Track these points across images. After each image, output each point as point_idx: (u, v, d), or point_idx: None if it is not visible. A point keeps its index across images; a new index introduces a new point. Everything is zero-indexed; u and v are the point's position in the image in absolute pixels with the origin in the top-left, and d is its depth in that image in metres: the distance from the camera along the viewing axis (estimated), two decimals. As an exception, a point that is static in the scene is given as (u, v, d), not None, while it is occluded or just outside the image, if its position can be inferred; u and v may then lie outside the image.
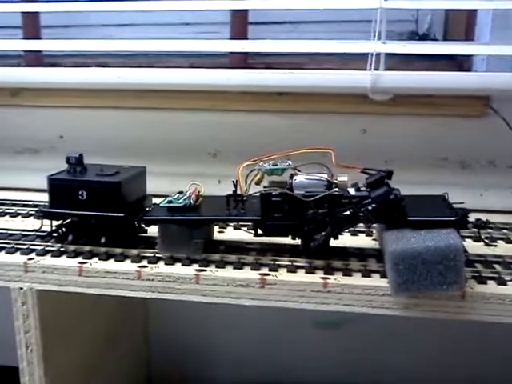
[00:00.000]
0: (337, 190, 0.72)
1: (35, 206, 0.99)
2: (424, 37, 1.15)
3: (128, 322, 1.10)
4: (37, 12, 1.15)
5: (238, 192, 0.76)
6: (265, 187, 0.74)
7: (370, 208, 0.69)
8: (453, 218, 0.68)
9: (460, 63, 1.04)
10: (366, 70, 0.94)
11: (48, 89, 1.11)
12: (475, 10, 1.00)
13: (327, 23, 1.17)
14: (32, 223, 0.91)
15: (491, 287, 0.68)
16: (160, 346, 1.22)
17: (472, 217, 0.74)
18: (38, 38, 1.17)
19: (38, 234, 0.84)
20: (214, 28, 1.20)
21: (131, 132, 1.11)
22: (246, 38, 1.08)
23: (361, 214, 0.70)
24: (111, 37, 1.22)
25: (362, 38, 0.98)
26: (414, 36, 1.17)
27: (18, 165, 1.16)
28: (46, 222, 0.82)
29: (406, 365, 1.12)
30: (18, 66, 1.16)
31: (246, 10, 1.06)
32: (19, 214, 0.96)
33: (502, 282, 0.69)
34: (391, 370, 1.13)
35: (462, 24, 1.07)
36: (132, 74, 1.04)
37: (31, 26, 1.17)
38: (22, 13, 1.15)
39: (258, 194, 0.74)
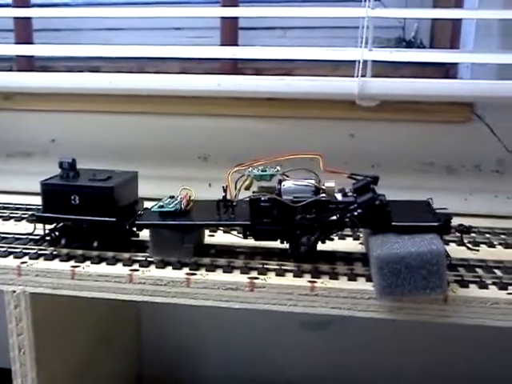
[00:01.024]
0: (324, 195, 0.74)
1: (27, 209, 1.00)
2: (411, 43, 1.17)
3: (120, 323, 1.12)
4: (29, 18, 1.16)
5: (228, 197, 0.77)
6: (254, 192, 0.76)
7: (355, 213, 0.71)
8: (436, 224, 0.70)
9: (446, 69, 1.06)
10: (353, 76, 0.96)
11: (40, 93, 1.12)
12: (460, 20, 1.03)
13: (316, 29, 1.19)
14: (25, 227, 0.92)
15: (473, 291, 0.70)
16: (152, 347, 1.23)
17: (456, 221, 0.76)
18: (30, 42, 1.18)
19: (30, 237, 0.85)
20: (205, 33, 1.21)
21: (122, 136, 1.13)
22: (237, 44, 1.10)
23: (347, 220, 0.72)
24: (102, 40, 1.23)
25: (351, 43, 1.00)
26: (401, 42, 1.18)
27: (10, 168, 1.17)
28: (39, 225, 0.83)
29: (392, 365, 1.14)
30: (10, 70, 1.17)
31: (236, 18, 1.08)
32: (12, 218, 0.97)
33: (483, 285, 0.71)
34: (378, 369, 1.14)
35: (447, 31, 1.09)
36: (124, 80, 1.05)
37: (23, 30, 1.18)
38: (15, 18, 1.16)
39: (248, 199, 0.75)
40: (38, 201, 0.95)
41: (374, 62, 0.95)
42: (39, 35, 1.20)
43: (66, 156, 0.85)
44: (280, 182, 0.76)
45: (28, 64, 1.18)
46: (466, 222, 0.81)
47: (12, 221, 0.96)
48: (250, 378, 1.21)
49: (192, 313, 1.13)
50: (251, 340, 1.19)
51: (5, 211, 1.00)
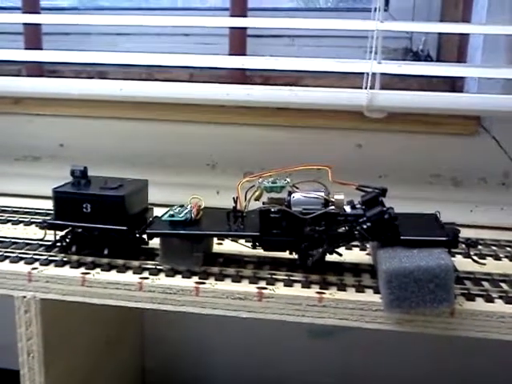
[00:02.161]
0: (333, 207, 0.74)
1: (36, 213, 1.01)
2: (418, 54, 1.18)
3: (125, 328, 1.13)
4: (38, 24, 1.17)
5: (238, 207, 0.78)
6: (264, 203, 0.77)
7: (364, 227, 0.71)
8: (444, 239, 0.71)
9: (453, 82, 1.07)
10: (362, 86, 0.97)
11: (49, 98, 1.12)
12: (467, 35, 1.04)
13: (324, 38, 1.20)
14: (34, 231, 0.93)
15: (479, 304, 0.71)
16: (155, 352, 1.24)
17: (463, 232, 0.77)
18: (39, 47, 1.19)
19: (41, 243, 0.86)
20: (213, 39, 1.22)
21: (131, 142, 1.14)
22: (245, 53, 1.11)
23: (356, 232, 0.73)
24: (111, 44, 1.24)
25: (359, 52, 1.01)
26: (408, 53, 1.19)
27: (19, 172, 1.18)
28: (49, 231, 0.84)
29: (397, 373, 1.14)
30: (20, 74, 1.18)
31: (245, 28, 1.09)
32: (21, 222, 0.98)
33: (489, 299, 0.72)
34: (383, 378, 1.15)
35: (455, 44, 1.10)
36: (134, 87, 1.06)
37: (32, 35, 1.19)
38: (24, 24, 1.17)
39: (257, 210, 0.76)
40: (46, 205, 0.97)
41: (383, 74, 0.96)
42: (48, 39, 1.21)
43: (74, 161, 0.86)
44: (290, 193, 0.76)
45: (37, 69, 1.19)
46: (472, 233, 0.83)
47: (21, 225, 0.97)
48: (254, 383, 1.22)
49: (195, 318, 1.14)
50: (256, 345, 1.20)
51: (14, 215, 1.01)
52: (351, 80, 1.00)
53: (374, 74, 0.96)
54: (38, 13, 1.17)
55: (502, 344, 0.71)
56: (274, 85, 1.03)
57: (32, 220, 0.98)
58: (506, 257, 0.87)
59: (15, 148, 1.19)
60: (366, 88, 0.96)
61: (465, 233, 0.80)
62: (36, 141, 1.18)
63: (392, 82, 1.01)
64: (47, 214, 0.98)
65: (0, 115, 1.18)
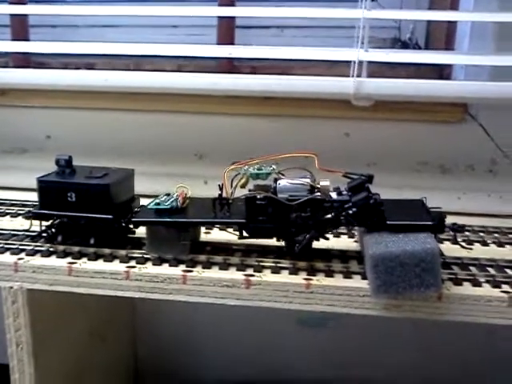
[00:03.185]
0: (319, 194, 0.74)
1: (23, 205, 1.00)
2: (406, 43, 1.18)
3: (115, 318, 1.12)
4: (25, 14, 1.16)
5: (224, 195, 0.78)
6: (250, 190, 0.77)
7: (350, 212, 0.71)
8: (430, 223, 0.71)
9: (441, 70, 1.07)
10: (349, 75, 0.97)
11: (36, 89, 1.11)
12: (455, 22, 1.03)
13: (312, 28, 1.20)
14: (20, 223, 0.92)
15: (467, 289, 0.71)
16: (146, 342, 1.24)
17: (450, 219, 0.77)
18: (26, 39, 1.18)
19: (27, 234, 0.85)
20: (201, 31, 1.21)
21: (118, 133, 1.13)
22: (233, 43, 1.10)
23: (342, 218, 0.72)
24: (98, 36, 1.23)
25: (347, 42, 1.01)
26: (397, 42, 1.19)
27: (6, 164, 1.17)
28: (35, 222, 0.83)
29: (392, 362, 1.15)
30: (6, 65, 1.18)
31: (233, 17, 1.08)
32: (7, 214, 0.97)
33: (477, 283, 0.72)
34: (378, 367, 1.16)
35: (443, 32, 1.10)
36: (120, 77, 1.06)
37: (19, 26, 1.18)
38: (11, 15, 1.16)
39: (243, 198, 0.76)
40: (33, 197, 0.95)
41: (370, 62, 0.96)
42: (35, 31, 1.20)
43: (62, 152, 0.86)
44: (275, 180, 0.76)
45: (24, 60, 1.18)
46: (460, 220, 0.82)
47: (8, 217, 0.96)
48: (245, 373, 1.22)
49: (186, 308, 1.14)
50: (248, 334, 1.20)
51: (1, 207, 1.00)
52: (340, 69, 1.00)
53: (360, 63, 0.96)
54: (25, 3, 1.16)
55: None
56: (262, 74, 1.03)
57: (19, 212, 0.98)
58: (494, 242, 0.87)
59: (2, 140, 1.18)
60: (352, 76, 0.96)
61: (452, 220, 0.80)
62: (23, 133, 1.17)
63: (381, 70, 1.01)
64: (34, 206, 0.96)
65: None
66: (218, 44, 1.11)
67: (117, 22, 1.25)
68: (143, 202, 0.85)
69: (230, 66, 1.10)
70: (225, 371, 1.23)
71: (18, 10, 1.14)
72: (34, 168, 1.07)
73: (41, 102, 1.15)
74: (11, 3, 1.16)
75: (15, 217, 0.96)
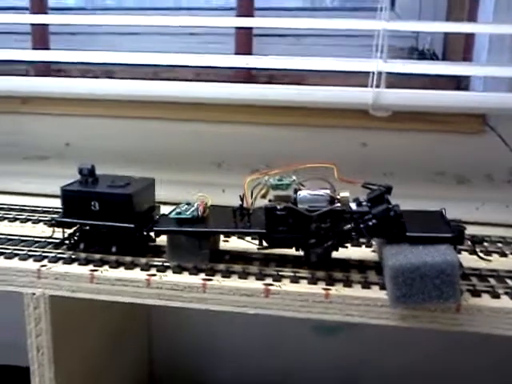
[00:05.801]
0: (339, 205, 0.75)
1: (44, 211, 1.02)
2: (424, 53, 1.18)
3: (132, 324, 1.13)
4: (46, 24, 1.18)
5: (244, 205, 0.79)
6: (270, 201, 0.78)
7: (370, 224, 0.72)
8: (450, 235, 0.72)
9: (459, 80, 1.07)
10: (367, 85, 0.97)
11: (56, 98, 1.13)
12: (473, 34, 1.04)
13: (329, 37, 1.20)
14: (42, 229, 0.94)
15: (485, 300, 0.71)
16: (162, 347, 1.25)
17: (469, 229, 0.77)
18: (46, 47, 1.20)
19: (49, 241, 0.86)
20: (219, 38, 1.22)
21: (137, 141, 1.14)
22: (250, 53, 1.11)
23: (361, 230, 0.73)
24: (117, 44, 1.25)
25: (364, 51, 1.01)
26: (414, 51, 1.20)
27: (27, 171, 1.19)
28: (57, 229, 0.85)
29: (403, 370, 1.15)
30: (27, 72, 1.20)
31: (251, 28, 1.09)
32: (29, 220, 0.99)
33: (495, 295, 0.72)
34: (390, 375, 1.16)
35: (461, 43, 1.10)
36: (138, 86, 1.07)
37: (40, 35, 1.20)
38: (32, 24, 1.18)
39: (263, 208, 0.77)
40: (53, 203, 0.98)
41: (389, 73, 0.97)
42: (55, 38, 1.22)
43: (81, 160, 0.87)
44: (296, 191, 0.77)
45: (44, 68, 1.20)
46: (478, 230, 0.83)
47: (29, 223, 0.98)
48: (259, 378, 1.23)
49: (201, 313, 1.15)
50: (261, 341, 1.20)
51: (22, 213, 1.01)
52: (357, 79, 1.00)
53: (379, 73, 0.96)
54: (46, 13, 1.18)
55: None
56: (280, 84, 1.04)
57: (40, 218, 0.99)
58: (512, 253, 0.87)
59: (23, 147, 1.19)
60: (371, 86, 0.96)
61: (470, 230, 0.80)
62: (43, 140, 1.19)
63: (398, 81, 1.01)
64: (55, 213, 0.98)
65: (8, 115, 1.19)
66: (236, 53, 1.12)
67: (135, 29, 1.26)
68: (163, 209, 0.87)
69: (248, 74, 1.12)
70: (239, 376, 1.23)
71: (38, 19, 1.16)
72: (54, 175, 1.10)
73: (61, 110, 1.16)
74: (33, 13, 1.18)
75: (36, 223, 0.97)
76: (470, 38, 1.07)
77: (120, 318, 1.05)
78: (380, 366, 1.16)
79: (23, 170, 1.19)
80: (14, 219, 0.99)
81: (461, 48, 1.10)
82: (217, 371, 1.25)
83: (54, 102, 1.15)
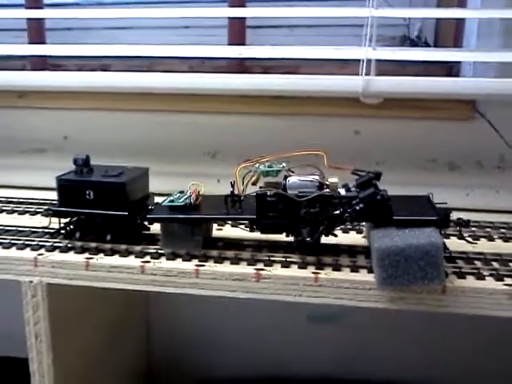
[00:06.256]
0: (328, 190, 0.77)
1: (41, 204, 1.04)
2: (415, 41, 1.19)
3: (130, 315, 1.15)
4: (42, 18, 1.20)
5: (236, 192, 0.81)
6: (260, 187, 0.79)
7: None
8: (435, 218, 0.73)
9: (449, 67, 1.09)
10: (358, 74, 0.99)
11: (53, 91, 1.15)
12: (463, 19, 1.05)
13: (322, 27, 1.21)
14: (39, 220, 0.96)
15: (470, 282, 0.73)
16: (160, 339, 1.27)
17: (459, 215, 0.79)
18: (42, 42, 1.22)
19: (46, 231, 0.88)
20: (212, 31, 1.24)
21: (133, 133, 1.16)
22: (244, 43, 1.13)
23: (349, 214, 0.75)
24: (112, 38, 1.26)
25: (356, 41, 1.03)
26: (406, 40, 1.21)
27: (24, 164, 1.21)
28: (54, 219, 0.87)
29: (401, 358, 1.16)
30: (24, 67, 1.21)
31: (244, 18, 1.11)
32: (27, 212, 1.00)
33: (480, 277, 0.73)
34: (387, 363, 1.17)
35: (451, 29, 1.11)
36: (134, 78, 1.08)
37: (36, 30, 1.22)
38: (28, 19, 1.20)
39: (254, 194, 0.79)
40: (51, 195, 0.99)
41: (379, 60, 0.98)
42: (51, 33, 1.23)
43: (78, 152, 0.89)
44: (285, 177, 0.79)
45: (41, 63, 1.21)
46: (469, 216, 0.84)
47: (27, 215, 0.99)
48: (258, 370, 1.24)
49: (199, 305, 1.16)
50: (260, 333, 1.22)
51: (20, 205, 1.03)
52: (350, 68, 1.01)
53: (369, 61, 0.98)
54: (41, 8, 1.19)
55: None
56: (273, 73, 1.05)
57: (37, 210, 1.01)
58: (500, 238, 0.88)
59: (20, 141, 1.21)
60: (361, 74, 0.98)
61: (462, 216, 0.81)
62: (41, 133, 1.21)
63: (390, 68, 1.02)
64: (52, 204, 1.00)
65: (5, 109, 1.21)
66: (229, 44, 1.13)
67: (130, 23, 1.28)
68: (158, 200, 0.88)
69: (241, 65, 1.13)
70: (238, 368, 1.25)
71: (34, 14, 1.18)
72: (52, 168, 1.11)
73: (58, 104, 1.18)
74: (28, 8, 1.19)
75: (34, 215, 0.99)
76: (460, 24, 1.08)
77: (118, 309, 1.07)
78: (375, 355, 1.17)
79: (21, 164, 1.21)
80: (12, 211, 1.01)
81: (451, 35, 1.11)
82: (214, 363, 1.27)
83: (50, 96, 1.16)
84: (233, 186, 0.80)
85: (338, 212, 0.76)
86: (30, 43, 1.21)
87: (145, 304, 1.23)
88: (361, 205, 0.73)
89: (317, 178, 0.78)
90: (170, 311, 1.23)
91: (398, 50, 0.99)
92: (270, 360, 1.23)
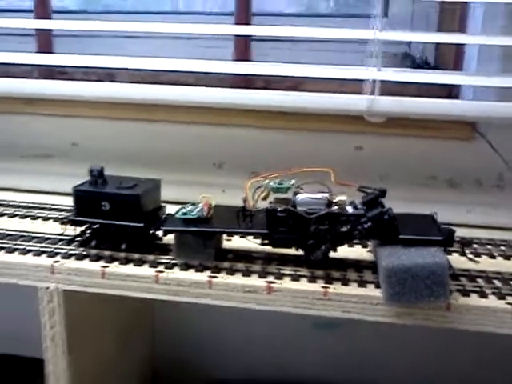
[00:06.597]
0: (336, 208, 0.80)
1: (52, 209, 1.06)
2: (416, 60, 1.23)
3: (139, 318, 1.18)
4: (50, 29, 1.22)
5: (246, 207, 0.83)
6: (270, 203, 0.82)
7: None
8: (440, 238, 0.77)
9: (450, 88, 1.12)
10: (362, 91, 1.02)
11: (60, 100, 1.17)
12: (463, 44, 1.09)
13: (326, 42, 1.24)
14: (52, 226, 0.98)
15: (474, 300, 0.76)
16: (165, 343, 1.28)
17: (459, 232, 0.82)
18: (50, 51, 1.24)
19: (60, 238, 0.91)
20: (218, 42, 1.26)
21: (141, 143, 1.19)
22: (249, 59, 1.16)
23: (357, 232, 0.78)
24: (119, 47, 1.28)
25: (358, 57, 1.06)
26: (407, 57, 1.24)
27: (33, 169, 1.23)
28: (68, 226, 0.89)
29: (400, 367, 1.19)
30: (31, 75, 1.23)
31: (249, 36, 1.14)
32: (39, 217, 1.02)
33: (483, 295, 0.77)
34: (386, 370, 1.19)
35: (451, 51, 1.14)
36: (141, 90, 1.11)
37: (44, 39, 1.24)
38: (36, 29, 1.22)
39: (265, 210, 0.82)
40: (60, 200, 1.02)
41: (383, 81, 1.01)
42: (58, 40, 1.26)
43: (86, 159, 0.92)
44: (295, 194, 0.82)
45: (48, 71, 1.23)
46: (468, 233, 0.87)
47: (40, 220, 1.02)
48: (263, 374, 1.27)
49: (204, 310, 1.18)
50: (264, 337, 1.24)
51: (31, 210, 1.05)
52: (352, 85, 1.05)
53: (374, 81, 1.01)
54: (50, 17, 1.21)
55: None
56: (277, 89, 1.09)
57: (49, 215, 1.03)
58: (500, 255, 0.92)
59: (28, 147, 1.23)
60: (366, 94, 1.01)
61: (462, 232, 0.85)
62: (48, 140, 1.23)
63: (394, 87, 1.05)
64: (63, 210, 1.03)
65: (12, 115, 1.23)
66: (235, 59, 1.17)
67: (136, 33, 1.30)
68: (167, 208, 0.91)
69: (246, 79, 1.16)
70: (242, 372, 1.27)
71: (42, 24, 1.20)
72: (60, 173, 1.14)
73: (65, 111, 1.20)
74: (37, 18, 1.21)
75: (46, 220, 1.01)
76: (460, 47, 1.12)
77: (128, 314, 1.10)
78: (379, 363, 1.20)
79: (30, 169, 1.23)
80: (25, 216, 1.03)
81: (452, 57, 1.15)
82: (219, 367, 1.29)
83: (58, 104, 1.18)
84: (244, 200, 0.83)
85: (345, 229, 0.79)
86: (38, 51, 1.23)
87: (152, 309, 1.25)
88: (369, 223, 0.77)
89: (326, 195, 0.81)
90: (176, 316, 1.25)
91: (402, 72, 1.03)
92: (274, 364, 1.25)
